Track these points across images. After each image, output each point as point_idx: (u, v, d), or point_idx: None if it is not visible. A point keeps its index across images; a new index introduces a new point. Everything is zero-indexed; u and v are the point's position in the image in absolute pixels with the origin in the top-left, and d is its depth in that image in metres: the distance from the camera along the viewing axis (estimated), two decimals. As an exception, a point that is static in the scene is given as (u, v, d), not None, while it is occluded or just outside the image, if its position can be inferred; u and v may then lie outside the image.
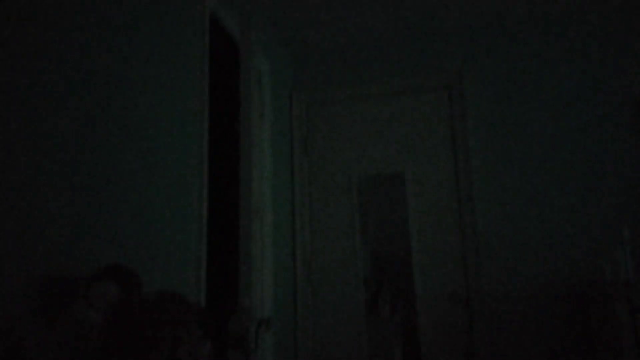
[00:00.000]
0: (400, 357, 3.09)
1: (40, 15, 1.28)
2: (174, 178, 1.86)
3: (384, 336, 3.12)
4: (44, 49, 1.28)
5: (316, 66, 3.53)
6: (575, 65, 3.10)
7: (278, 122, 3.18)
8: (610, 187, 2.91)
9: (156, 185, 1.73)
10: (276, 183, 3.05)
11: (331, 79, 3.48)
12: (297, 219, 3.30)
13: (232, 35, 2.55)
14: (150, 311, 1.12)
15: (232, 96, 3.34)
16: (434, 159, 3.22)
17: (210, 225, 3.14)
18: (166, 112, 1.84)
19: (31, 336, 1.16)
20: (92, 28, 1.47)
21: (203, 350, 1.26)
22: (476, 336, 2.92)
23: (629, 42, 3.05)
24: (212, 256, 3.07)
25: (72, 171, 1.34)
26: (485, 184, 3.09)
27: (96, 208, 1.43)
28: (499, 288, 2.95)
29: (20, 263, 1.15)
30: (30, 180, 1.20)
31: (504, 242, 2.99)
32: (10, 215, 1.13)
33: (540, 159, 3.04)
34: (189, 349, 1.24)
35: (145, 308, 1.11)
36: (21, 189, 1.17)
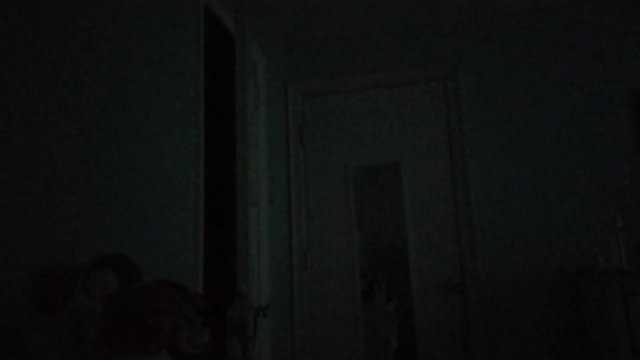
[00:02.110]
0: (396, 345, 3.13)
1: (32, 9, 1.28)
2: (171, 168, 1.87)
3: (380, 324, 3.15)
4: (38, 43, 1.28)
5: (311, 58, 3.53)
6: (570, 55, 3.12)
7: (274, 113, 3.19)
8: (603, 176, 2.94)
9: (153, 175, 1.75)
10: (272, 173, 3.06)
11: (326, 70, 3.49)
12: (294, 209, 3.32)
13: (227, 27, 2.55)
14: (149, 299, 1.13)
15: (228, 88, 3.34)
16: (429, 149, 3.24)
17: (207, 215, 3.15)
18: (162, 103, 1.85)
19: (31, 326, 1.17)
20: (85, 22, 1.48)
21: (202, 338, 1.28)
22: (471, 323, 2.96)
23: (624, 34, 3.06)
24: (210, 245, 3.08)
25: (69, 162, 1.35)
26: (480, 173, 3.11)
27: (93, 198, 1.44)
28: (493, 276, 2.98)
29: (18, 253, 1.16)
30: (29, 173, 1.21)
31: (499, 230, 3.02)
32: (9, 207, 1.14)
33: (535, 148, 3.06)
34: (188, 337, 1.25)
35: (143, 296, 1.12)
36: (20, 181, 1.18)
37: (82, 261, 1.37)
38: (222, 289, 3.00)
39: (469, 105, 3.21)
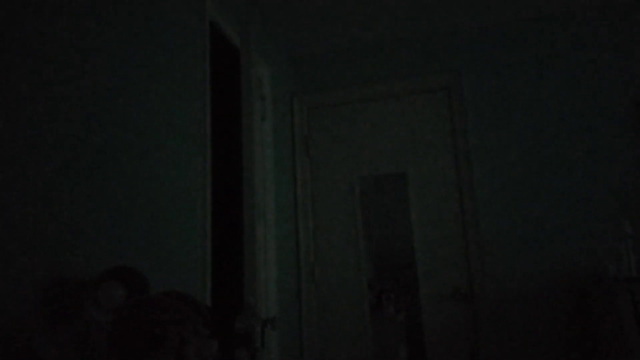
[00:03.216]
0: (405, 356, 3.11)
1: (42, 21, 1.31)
2: (179, 181, 1.89)
3: (389, 335, 3.14)
4: (46, 57, 1.31)
5: (316, 70, 3.56)
6: (575, 62, 3.12)
7: (280, 125, 3.22)
8: (611, 183, 2.93)
9: (161, 188, 1.77)
10: (279, 184, 3.08)
11: (332, 82, 3.52)
12: (300, 220, 3.33)
13: (232, 42, 2.59)
14: (157, 310, 1.14)
15: (234, 101, 3.38)
16: (435, 158, 3.25)
17: (214, 227, 3.17)
18: (169, 117, 1.87)
19: (40, 338, 1.18)
20: (93, 38, 1.51)
21: (210, 350, 1.28)
22: (480, 333, 2.93)
23: (628, 42, 3.06)
24: (217, 256, 3.10)
25: (77, 174, 1.37)
26: (486, 182, 3.11)
27: (101, 210, 1.46)
28: (502, 285, 2.96)
29: (28, 265, 1.18)
30: (36, 184, 1.23)
31: (507, 239, 3.01)
32: (18, 219, 1.16)
33: (541, 155, 3.06)
34: (196, 349, 1.26)
35: (151, 307, 1.13)
36: (27, 192, 1.20)
37: (91, 273, 1.38)
38: (231, 301, 3.01)
39: (473, 114, 3.21)
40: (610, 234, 2.87)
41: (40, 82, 1.27)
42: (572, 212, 2.95)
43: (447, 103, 3.30)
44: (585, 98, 3.06)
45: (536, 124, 3.10)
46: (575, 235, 2.92)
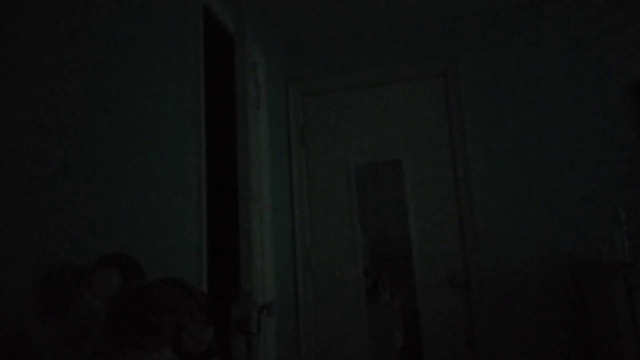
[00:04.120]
0: (401, 342, 3.13)
1: (32, 8, 1.29)
2: (173, 167, 1.88)
3: (385, 321, 3.16)
4: (38, 43, 1.30)
5: (311, 56, 3.54)
6: (572, 49, 3.11)
7: (275, 112, 3.20)
8: (605, 169, 2.94)
9: (155, 175, 1.76)
10: (275, 171, 3.07)
11: (327, 68, 3.50)
12: (296, 207, 3.33)
13: (226, 27, 2.56)
14: (153, 297, 1.14)
15: (228, 87, 3.35)
16: (431, 146, 3.24)
17: (210, 213, 3.16)
18: (163, 103, 1.86)
19: (37, 325, 1.18)
20: (83, 22, 1.49)
21: (206, 335, 1.29)
22: (476, 319, 2.96)
23: (626, 27, 3.06)
24: (213, 243, 3.09)
25: (72, 162, 1.36)
26: (482, 168, 3.11)
27: (97, 198, 1.45)
28: (497, 271, 2.98)
29: (24, 253, 1.18)
30: (33, 173, 1.22)
31: (502, 225, 3.02)
32: (14, 207, 1.16)
33: (537, 142, 3.06)
34: (192, 334, 1.26)
35: (147, 294, 1.13)
36: (25, 182, 1.19)
37: (86, 260, 1.38)
38: (226, 287, 3.01)
39: (469, 101, 3.21)
40: (604, 220, 2.88)
41: (38, 74, 1.25)
42: (567, 198, 2.96)
43: (444, 89, 3.29)
44: (582, 83, 3.06)
45: (533, 111, 3.10)
46: (569, 221, 2.93)
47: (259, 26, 3.04)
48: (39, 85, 1.27)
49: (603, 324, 2.52)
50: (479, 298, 2.97)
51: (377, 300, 3.19)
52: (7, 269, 1.12)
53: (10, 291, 1.12)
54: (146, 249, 1.65)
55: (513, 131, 3.11)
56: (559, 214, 2.95)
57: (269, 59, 3.15)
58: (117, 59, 1.61)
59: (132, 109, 1.67)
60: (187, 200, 1.95)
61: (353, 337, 3.16)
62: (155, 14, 1.87)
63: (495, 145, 3.12)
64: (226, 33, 2.80)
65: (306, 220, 3.34)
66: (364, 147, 3.35)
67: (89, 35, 1.49)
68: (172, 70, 1.95)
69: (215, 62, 3.38)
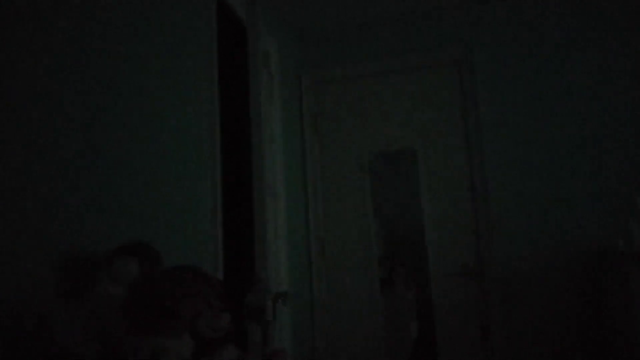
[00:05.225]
0: (416, 332, 3.13)
1: (44, 3, 1.30)
2: (189, 157, 1.89)
3: (399, 311, 3.16)
4: (52, 39, 1.31)
5: (324, 45, 3.53)
6: (589, 34, 3.06)
7: (288, 102, 3.20)
8: (622, 157, 2.89)
9: (172, 165, 1.77)
10: (289, 161, 3.08)
11: (339, 57, 3.48)
12: (310, 196, 3.34)
13: (240, 17, 2.56)
14: (170, 284, 1.15)
15: (241, 77, 3.36)
16: (445, 134, 3.22)
17: (226, 203, 3.18)
18: (177, 95, 1.87)
19: (56, 312, 1.20)
20: (100, 16, 1.50)
21: (222, 322, 1.30)
22: (491, 309, 2.95)
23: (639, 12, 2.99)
24: (229, 232, 3.12)
25: (91, 152, 1.38)
26: (496, 157, 3.08)
27: (116, 187, 1.47)
28: (511, 261, 2.96)
29: (43, 241, 1.20)
30: (53, 161, 1.24)
31: (517, 215, 3.00)
32: (34, 196, 1.17)
33: (552, 130, 3.02)
34: (208, 321, 1.27)
35: (164, 281, 1.14)
36: (43, 171, 1.21)
37: (105, 249, 1.40)
38: (242, 275, 3.04)
39: (484, 89, 3.17)
40: (620, 210, 2.85)
41: (52, 69, 1.27)
42: (583, 187, 2.92)
43: (458, 78, 3.26)
44: (599, 70, 3.00)
45: (548, 100, 3.06)
46: (585, 209, 2.90)
47: (271, 15, 3.04)
48: (58, 82, 1.29)
49: (620, 313, 2.50)
50: (493, 288, 2.96)
51: (392, 291, 3.20)
52: (27, 257, 1.14)
53: (29, 279, 1.14)
54: (163, 238, 1.67)
55: (528, 120, 3.07)
56: (575, 203, 2.92)
57: (281, 49, 3.15)
58: (128, 50, 1.62)
59: (148, 99, 1.68)
60: (203, 190, 1.97)
61: (367, 327, 3.17)
62: (168, 5, 1.88)
63: (510, 135, 3.09)
64: (239, 23, 2.80)
65: (320, 209, 3.35)
66: (378, 137, 3.34)
67: (105, 27, 1.50)
68: (186, 62, 1.96)
69: (228, 53, 3.38)
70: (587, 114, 2.99)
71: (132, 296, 1.12)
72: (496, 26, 3.22)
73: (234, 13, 2.49)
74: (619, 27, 3.01)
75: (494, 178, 3.06)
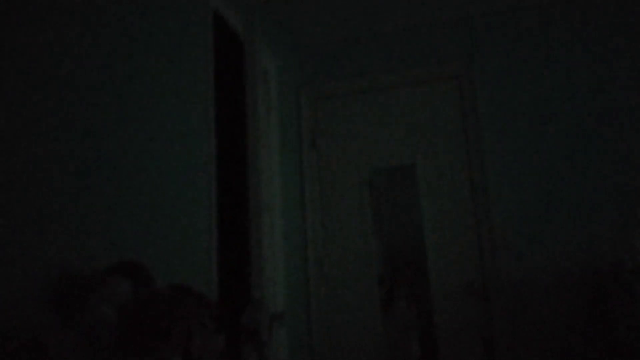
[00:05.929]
0: (417, 352, 3.07)
1: (46, 17, 1.29)
2: (183, 174, 1.87)
3: (400, 330, 3.11)
4: (50, 52, 1.29)
5: (323, 60, 3.53)
6: (587, 47, 3.06)
7: (286, 117, 3.19)
8: (628, 173, 2.87)
9: (166, 181, 1.74)
10: (286, 178, 3.05)
11: (338, 72, 3.48)
12: (308, 213, 3.30)
13: (237, 32, 2.56)
14: (163, 304, 1.12)
15: (239, 93, 3.35)
16: (445, 149, 3.20)
17: (220, 220, 3.15)
18: (173, 110, 1.85)
19: (48, 332, 1.17)
20: (97, 28, 1.49)
21: (216, 344, 1.26)
22: (494, 327, 2.89)
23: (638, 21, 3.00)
24: (224, 251, 3.07)
25: (83, 169, 1.35)
26: (498, 173, 3.06)
27: (108, 205, 1.44)
28: (515, 278, 2.92)
29: (34, 261, 1.16)
30: (43, 178, 1.21)
31: (520, 231, 2.96)
32: (24, 216, 1.15)
33: (554, 145, 3.01)
34: (202, 342, 1.24)
35: (158, 301, 1.11)
36: (34, 187, 1.18)
37: (96, 268, 1.37)
38: (237, 296, 2.99)
39: (484, 103, 3.16)
40: (626, 225, 2.81)
41: (46, 77, 1.25)
42: (588, 202, 2.89)
43: (458, 92, 3.25)
44: (600, 83, 3.00)
45: (549, 113, 3.05)
46: (590, 225, 2.86)
47: (270, 30, 3.04)
48: (52, 89, 1.27)
49: (627, 330, 2.45)
50: (497, 306, 2.91)
51: (392, 310, 3.14)
52: (20, 277, 1.11)
53: (22, 300, 1.11)
54: (157, 256, 1.64)
55: (529, 134, 3.05)
56: (579, 217, 2.89)
57: (279, 64, 3.14)
58: (125, 62, 1.61)
59: (143, 114, 1.66)
60: (198, 207, 1.94)
61: (367, 347, 3.11)
62: (165, 18, 1.87)
63: (512, 149, 3.07)
64: (236, 37, 2.80)
65: (318, 226, 3.31)
66: (377, 152, 3.32)
67: (101, 39, 1.48)
68: (181, 74, 1.94)
69: (226, 68, 3.38)
70: (590, 128, 2.97)
71: (126, 316, 1.10)
72: (496, 40, 3.22)
73: (229, 25, 2.49)
74: (617, 42, 3.02)
75: (496, 193, 3.03)
